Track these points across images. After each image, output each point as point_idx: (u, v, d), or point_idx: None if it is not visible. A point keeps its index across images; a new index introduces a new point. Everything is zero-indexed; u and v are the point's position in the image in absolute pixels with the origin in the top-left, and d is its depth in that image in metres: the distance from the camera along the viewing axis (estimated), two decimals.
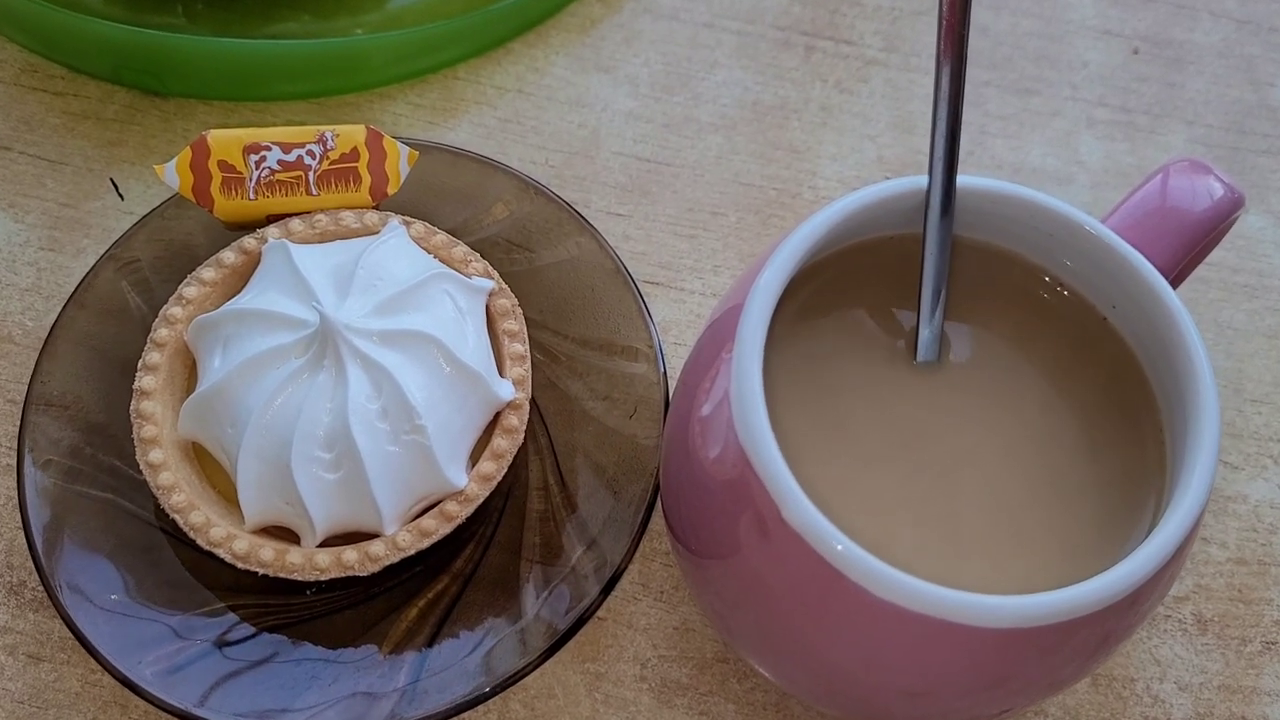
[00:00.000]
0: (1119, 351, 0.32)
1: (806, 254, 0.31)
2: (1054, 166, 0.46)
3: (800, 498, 0.27)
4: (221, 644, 0.36)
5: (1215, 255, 0.43)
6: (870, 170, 0.45)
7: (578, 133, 0.46)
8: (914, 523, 0.31)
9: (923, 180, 0.32)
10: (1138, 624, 0.31)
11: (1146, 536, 0.30)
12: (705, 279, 0.43)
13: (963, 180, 0.31)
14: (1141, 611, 0.30)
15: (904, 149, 0.46)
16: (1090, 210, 0.32)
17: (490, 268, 0.39)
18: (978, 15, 0.49)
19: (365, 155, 0.39)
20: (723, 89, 0.47)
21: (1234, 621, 0.38)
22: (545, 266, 0.41)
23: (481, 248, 0.40)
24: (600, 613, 0.38)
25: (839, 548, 0.27)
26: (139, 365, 0.37)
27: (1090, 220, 0.31)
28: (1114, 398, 0.32)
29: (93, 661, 0.36)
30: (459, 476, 0.36)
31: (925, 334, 0.32)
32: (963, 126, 0.46)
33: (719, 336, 0.31)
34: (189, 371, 0.38)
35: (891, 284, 0.33)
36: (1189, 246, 0.33)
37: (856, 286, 0.33)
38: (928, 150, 0.45)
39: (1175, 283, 0.35)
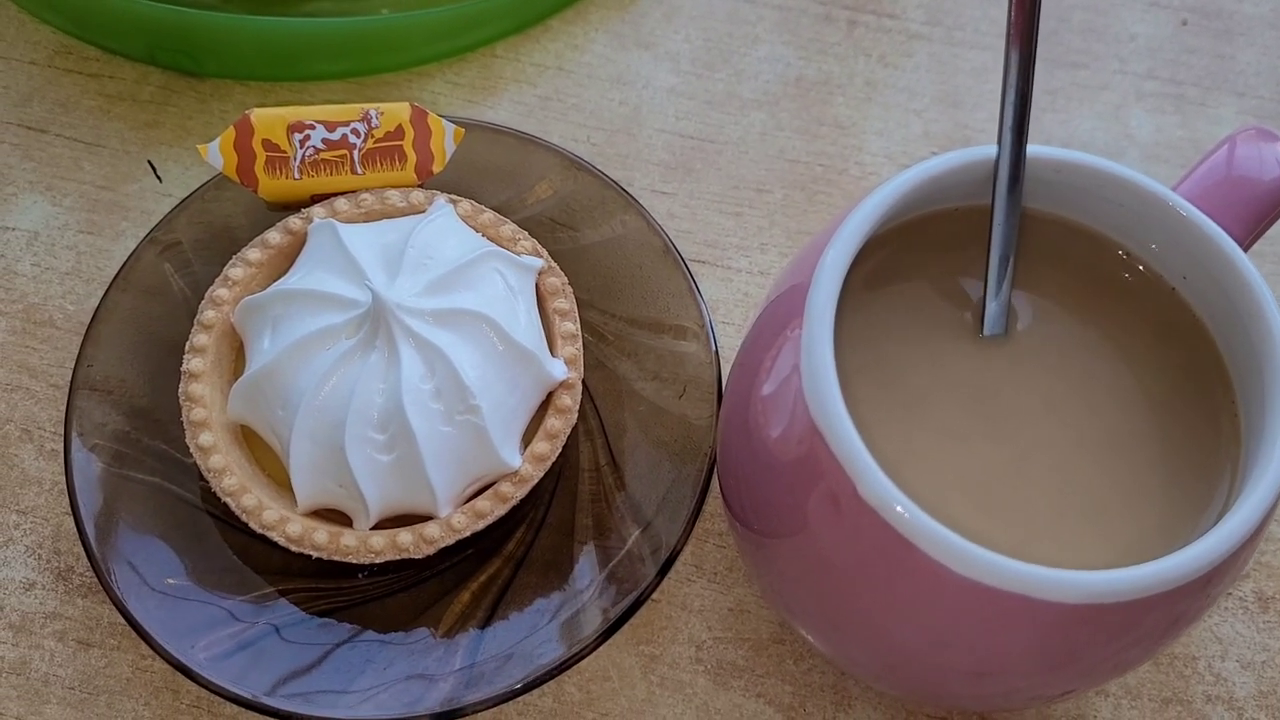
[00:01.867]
0: (1189, 323, 0.32)
1: (872, 228, 0.30)
2: (1104, 141, 0.45)
3: (877, 473, 0.27)
4: (274, 628, 0.35)
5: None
6: (916, 145, 0.45)
7: (619, 110, 0.45)
8: (983, 498, 0.30)
9: (989, 151, 0.31)
10: (1208, 606, 0.30)
11: (1221, 512, 0.30)
12: (752, 257, 0.43)
13: (1032, 150, 0.31)
14: (1214, 593, 0.29)
15: (950, 123, 0.45)
16: None
17: (539, 246, 0.38)
18: None
19: (410, 133, 0.38)
20: (765, 65, 0.46)
21: None
22: (591, 245, 0.41)
23: (526, 226, 0.39)
24: (654, 595, 0.37)
25: (915, 522, 0.27)
26: (186, 347, 0.36)
27: (1162, 189, 0.31)
28: (1184, 370, 0.32)
29: (143, 647, 0.36)
30: (513, 457, 0.35)
31: (992, 307, 0.32)
32: None
33: (782, 314, 0.31)
34: (236, 354, 0.37)
35: (957, 256, 0.32)
36: (1259, 216, 0.32)
37: (921, 259, 0.32)
38: (973, 125, 0.45)
39: None
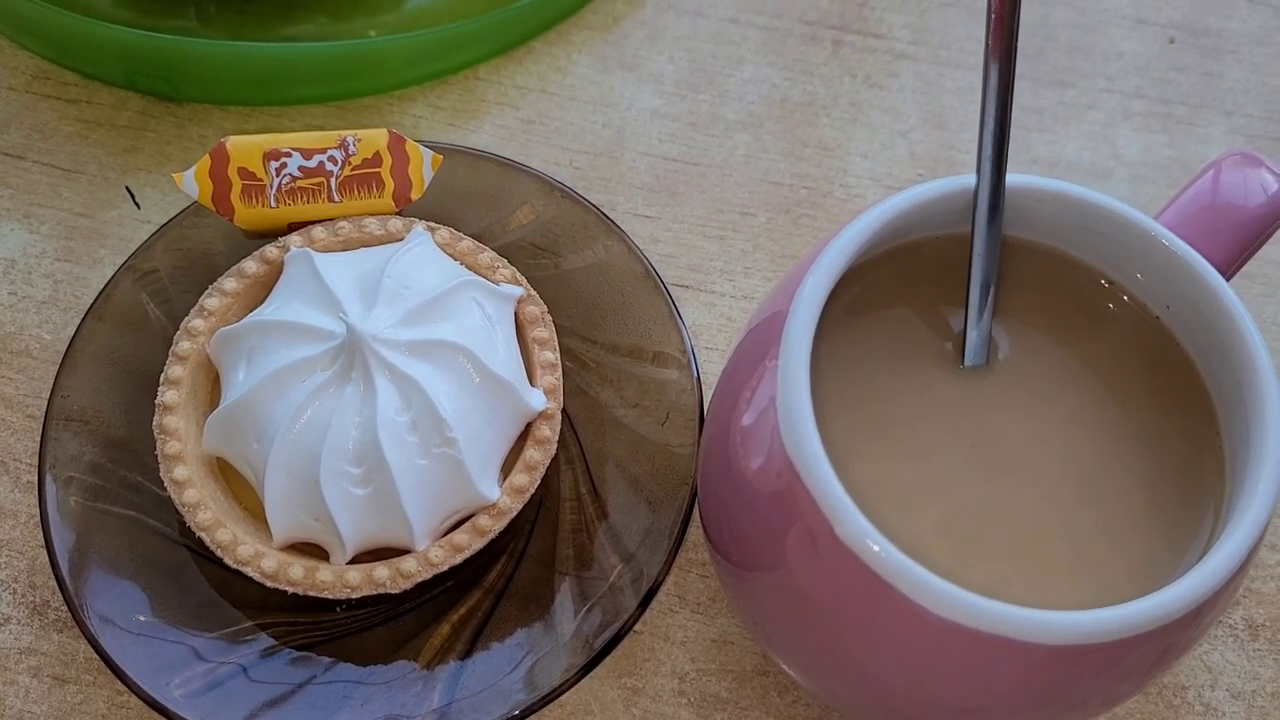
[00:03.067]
0: (1173, 354, 0.31)
1: (851, 258, 0.30)
2: (1091, 161, 0.45)
3: (854, 513, 0.26)
4: (251, 664, 0.35)
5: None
6: (902, 167, 0.44)
7: (602, 133, 0.45)
8: (963, 534, 0.30)
9: (969, 180, 0.30)
10: (1199, 638, 0.30)
11: (1207, 545, 0.29)
12: (736, 281, 0.42)
13: (1012, 179, 0.30)
14: (1203, 626, 0.29)
15: (936, 144, 0.45)
16: (1131, 205, 0.31)
17: (518, 274, 0.38)
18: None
19: (388, 160, 0.38)
20: (749, 86, 0.46)
21: None
22: (572, 271, 0.40)
23: (506, 252, 0.39)
24: (636, 626, 0.37)
25: (893, 563, 0.26)
26: (161, 379, 0.36)
27: (1144, 218, 0.30)
28: (1168, 402, 0.31)
29: (119, 683, 0.35)
30: (491, 489, 0.35)
31: (973, 337, 0.31)
32: None
33: (760, 343, 0.30)
34: (212, 385, 0.37)
35: (938, 285, 0.32)
36: (1245, 243, 0.32)
37: (902, 288, 0.32)
38: (960, 146, 0.45)
39: (1226, 280, 0.34)
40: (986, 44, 0.28)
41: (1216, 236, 0.31)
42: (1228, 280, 0.34)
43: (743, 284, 0.42)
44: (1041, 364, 0.32)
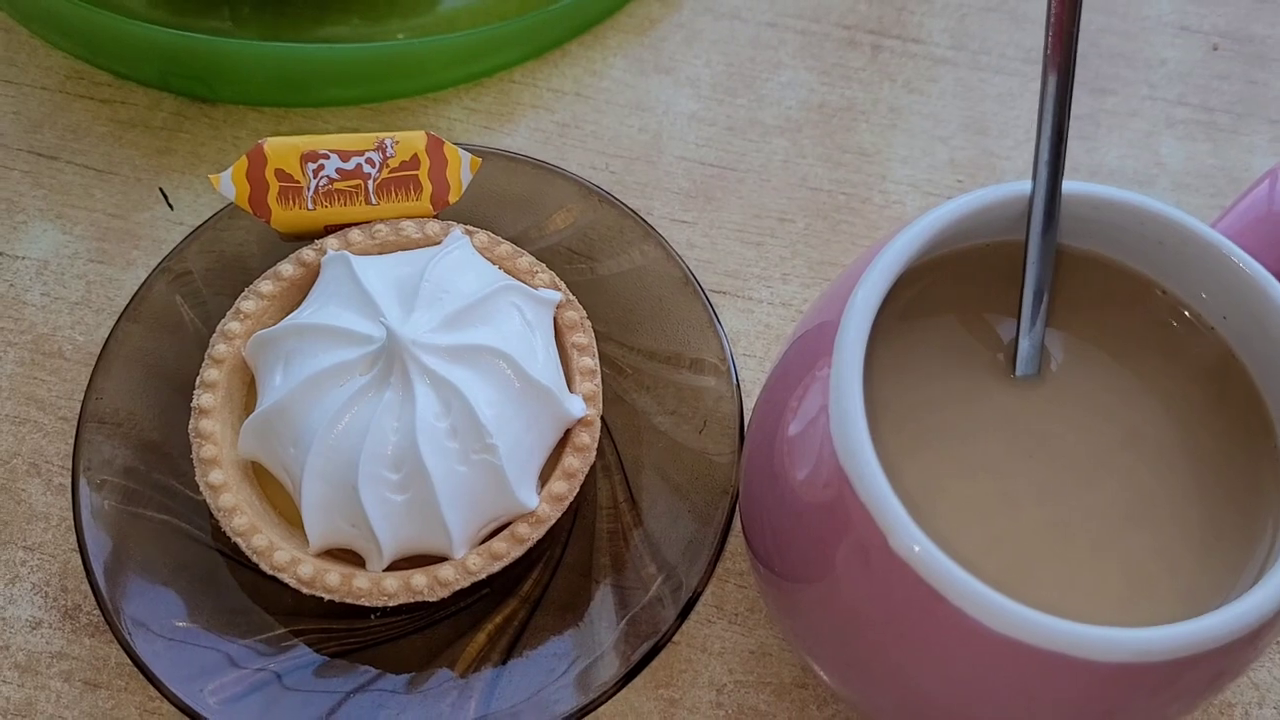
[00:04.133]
0: (1229, 364, 0.31)
1: (903, 267, 0.29)
2: (1133, 169, 0.44)
3: (908, 524, 0.26)
4: (285, 671, 0.34)
5: None
6: (942, 173, 0.44)
7: (638, 137, 0.45)
8: (1018, 544, 0.29)
9: (1023, 187, 0.30)
10: (1255, 659, 0.29)
11: (1264, 564, 0.29)
12: (774, 288, 0.42)
13: (1067, 185, 0.30)
14: (1260, 647, 0.28)
15: (977, 150, 0.44)
16: None
17: (557, 279, 0.37)
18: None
19: (426, 162, 0.37)
20: (787, 90, 0.46)
21: None
22: (609, 276, 0.40)
23: (543, 257, 0.39)
24: (674, 636, 0.36)
25: (952, 578, 0.26)
26: (197, 382, 0.35)
27: (1204, 227, 0.30)
28: (1223, 413, 0.31)
29: (151, 689, 0.35)
30: (530, 497, 0.34)
31: (1025, 346, 0.31)
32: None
33: (809, 352, 0.30)
34: (248, 389, 0.36)
35: (989, 293, 0.31)
36: None
37: (952, 296, 0.31)
38: (1000, 152, 0.44)
39: None
40: (1045, 48, 0.28)
41: (1274, 246, 0.31)
42: None
43: (780, 290, 0.42)
44: (1095, 375, 0.31)
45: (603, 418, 0.38)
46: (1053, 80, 0.28)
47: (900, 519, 0.26)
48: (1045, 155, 0.29)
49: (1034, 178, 0.29)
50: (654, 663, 0.36)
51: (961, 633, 0.26)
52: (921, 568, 0.26)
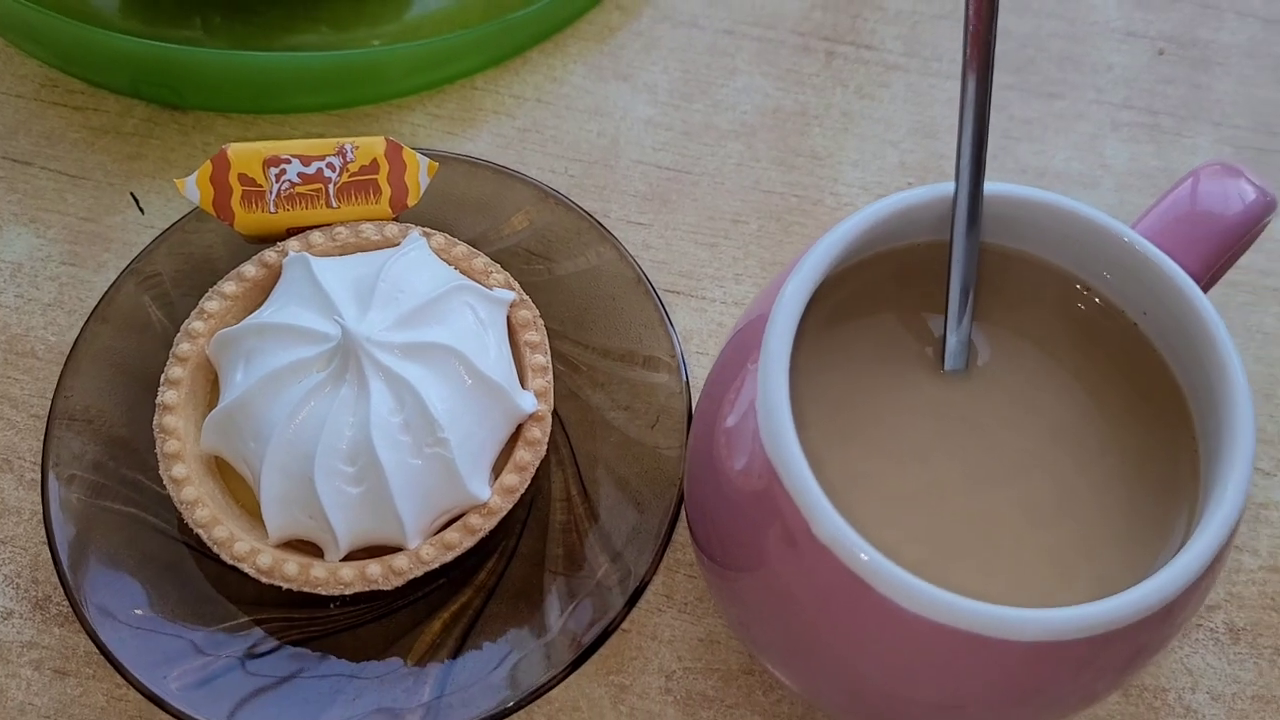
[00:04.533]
0: (1150, 359, 0.32)
1: (832, 263, 0.30)
2: (1078, 170, 0.45)
3: (829, 512, 0.27)
4: (246, 658, 0.35)
5: (1245, 258, 0.43)
6: (892, 176, 0.45)
7: (597, 141, 0.46)
8: (943, 532, 0.30)
9: (949, 187, 0.31)
10: (1172, 636, 0.30)
11: (1180, 547, 0.30)
12: (727, 287, 0.43)
13: (990, 187, 0.31)
14: (1176, 624, 0.29)
15: (926, 154, 0.46)
16: (1117, 214, 0.32)
17: (511, 279, 0.38)
18: (999, 18, 0.48)
19: (385, 167, 0.39)
20: (742, 95, 0.47)
21: (1267, 630, 0.38)
22: (565, 276, 0.41)
23: (501, 258, 0.40)
24: (624, 625, 0.38)
25: (868, 561, 0.27)
26: (161, 380, 0.37)
27: (1120, 226, 0.31)
28: (1145, 406, 0.32)
29: (118, 676, 0.36)
30: (482, 489, 0.35)
31: (953, 342, 0.32)
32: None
33: (744, 347, 0.31)
34: (211, 386, 0.37)
35: (919, 292, 0.33)
36: (1221, 251, 0.32)
37: (883, 294, 0.33)
38: (949, 155, 0.45)
39: (1206, 288, 0.35)
40: (964, 53, 0.29)
41: (1194, 245, 0.32)
42: (1208, 288, 0.35)
43: (733, 290, 0.43)
44: (1021, 369, 0.32)
45: (557, 414, 0.39)
46: (972, 83, 0.30)
47: (821, 506, 0.27)
48: (967, 156, 0.30)
49: (956, 178, 0.31)
50: (605, 650, 0.37)
51: (883, 616, 0.27)
52: (842, 553, 0.27)
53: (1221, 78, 0.48)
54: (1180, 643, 0.38)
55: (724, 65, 0.47)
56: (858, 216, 0.31)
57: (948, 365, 0.32)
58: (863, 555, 0.27)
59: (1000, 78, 0.47)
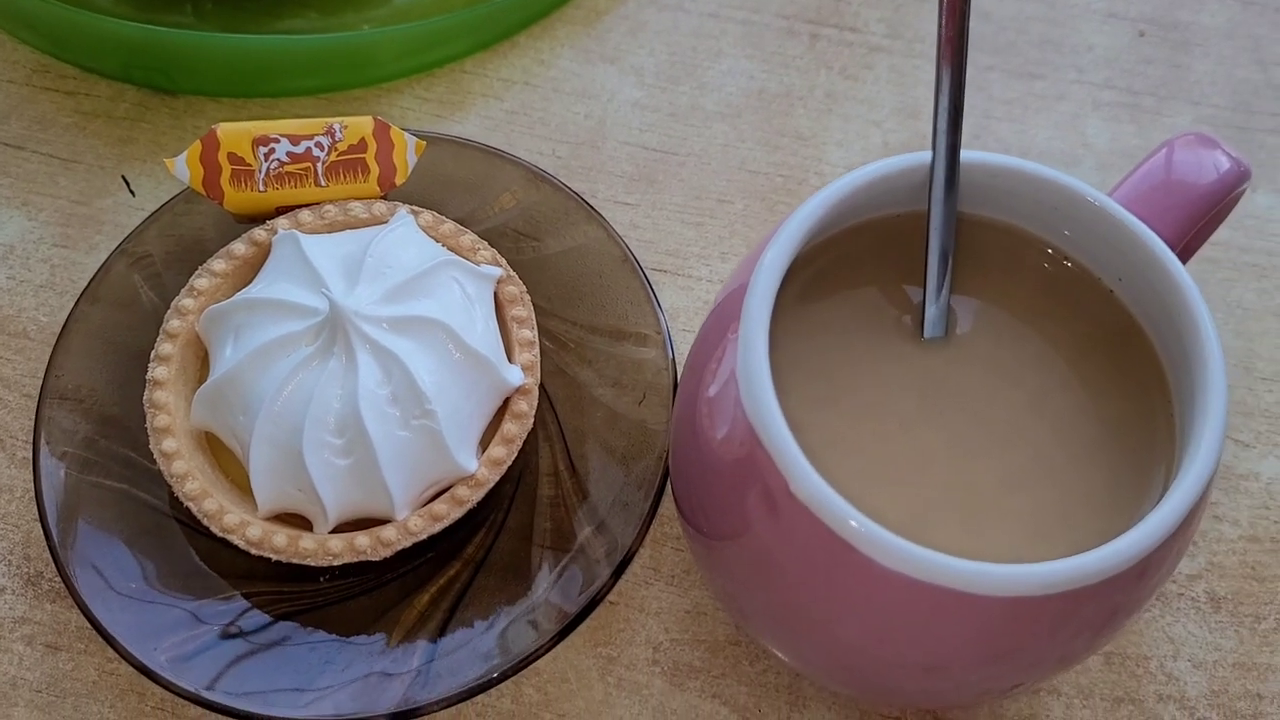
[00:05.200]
0: (1126, 324, 0.32)
1: (810, 232, 0.31)
2: (1060, 149, 0.46)
3: (808, 470, 0.27)
4: (236, 630, 0.36)
5: (1224, 234, 0.44)
6: (876, 155, 0.45)
7: (584, 123, 0.46)
8: (923, 496, 0.31)
9: (926, 156, 0.32)
10: (1146, 598, 0.31)
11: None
12: (712, 266, 0.44)
13: (966, 155, 0.31)
14: (1150, 584, 0.30)
15: (909, 134, 0.46)
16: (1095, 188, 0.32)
17: (499, 255, 0.39)
18: (981, 1, 0.49)
19: (373, 146, 0.39)
20: (728, 78, 0.47)
21: (1248, 599, 0.38)
22: (553, 255, 0.42)
23: (489, 237, 0.40)
24: (612, 597, 0.38)
25: (846, 519, 0.27)
26: (152, 356, 0.37)
27: (1095, 192, 0.31)
28: (1122, 371, 0.32)
29: (109, 650, 0.36)
30: (469, 461, 0.36)
31: (931, 310, 0.32)
32: (968, 112, 0.46)
33: (725, 317, 0.32)
34: (201, 362, 0.38)
35: (898, 261, 0.33)
36: (1195, 219, 0.33)
37: (862, 264, 0.33)
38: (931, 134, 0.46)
39: (1183, 257, 0.35)
40: (940, 23, 0.30)
41: (1168, 212, 0.32)
42: (1185, 258, 0.35)
43: (719, 268, 0.44)
44: (1000, 336, 0.33)
45: (545, 389, 0.40)
46: (948, 49, 0.30)
47: (800, 464, 0.28)
48: (943, 123, 0.31)
49: (933, 146, 0.31)
50: (593, 622, 0.38)
51: (861, 573, 0.28)
52: (821, 511, 0.27)
53: (1201, 58, 0.48)
54: (1161, 611, 0.38)
55: (710, 48, 0.48)
56: (835, 185, 0.31)
57: (927, 333, 0.32)
58: (840, 513, 0.27)
59: (981, 59, 0.48)
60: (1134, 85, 0.47)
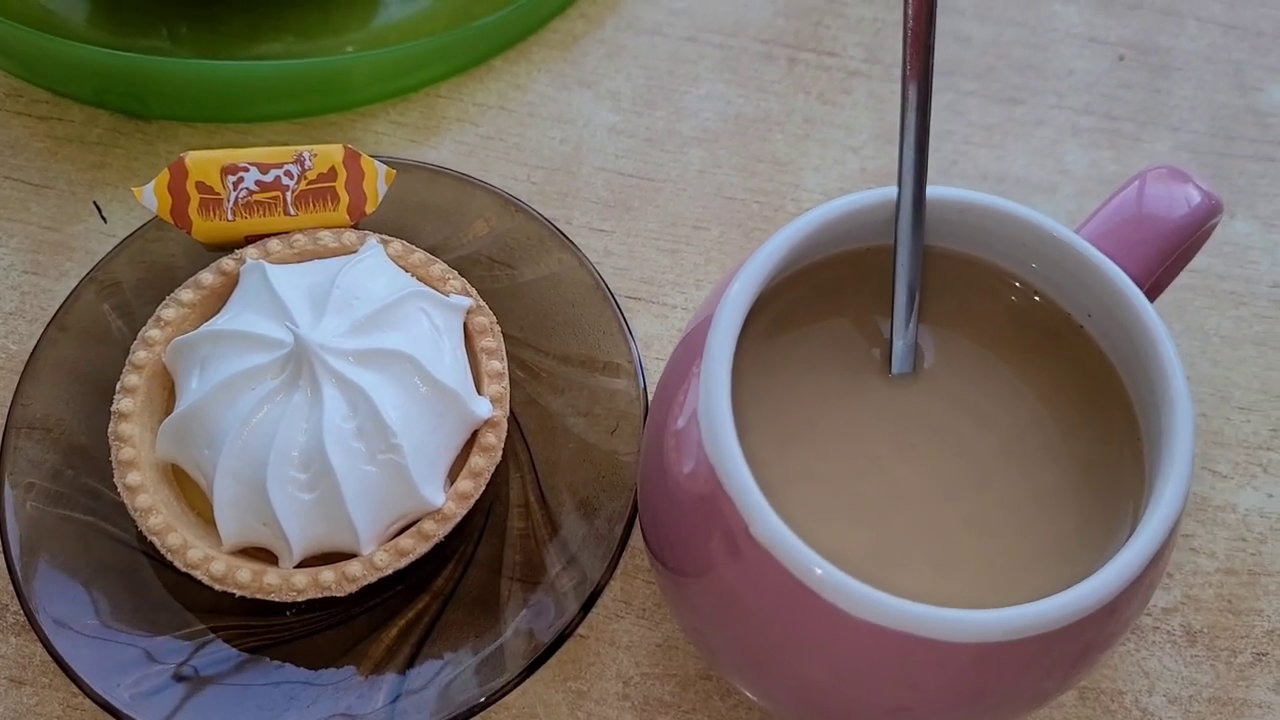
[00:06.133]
0: (1095, 361, 0.32)
1: (777, 266, 0.31)
2: (1038, 176, 0.46)
3: (768, 513, 0.27)
4: (200, 666, 0.35)
5: (1202, 262, 0.43)
6: (854, 181, 0.45)
7: (560, 149, 0.46)
8: (889, 535, 0.30)
9: (893, 191, 0.31)
10: (1119, 634, 0.30)
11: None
12: (688, 294, 0.43)
13: (933, 190, 0.31)
14: (1122, 621, 0.30)
15: (887, 160, 0.46)
16: (1075, 219, 0.32)
17: (469, 285, 0.39)
18: (961, 25, 0.49)
19: (343, 174, 0.39)
20: (705, 103, 0.47)
21: (1223, 633, 0.38)
22: (526, 283, 0.41)
23: (462, 265, 0.40)
24: (582, 630, 0.38)
25: (808, 565, 0.27)
26: (117, 387, 0.37)
27: (1061, 229, 0.31)
28: (1091, 407, 0.32)
29: (73, 685, 0.36)
30: (436, 495, 0.35)
31: (899, 345, 0.32)
32: (946, 137, 0.46)
33: (691, 350, 0.31)
34: (168, 394, 0.38)
35: (866, 296, 0.33)
36: (1165, 254, 0.32)
37: (830, 299, 0.33)
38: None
39: (1156, 289, 0.35)
40: (904, 57, 0.29)
41: (1137, 247, 0.32)
42: (1158, 290, 0.35)
43: (694, 296, 0.43)
44: (969, 372, 0.32)
45: (517, 419, 0.39)
46: (913, 89, 0.30)
47: (760, 507, 0.27)
48: (910, 159, 0.31)
49: (899, 182, 0.31)
50: (562, 656, 0.37)
51: (824, 618, 0.28)
52: (780, 555, 0.27)
53: (1180, 83, 0.48)
54: (1136, 645, 0.38)
55: (687, 73, 0.48)
56: (801, 221, 0.31)
57: (895, 368, 0.32)
58: (802, 558, 0.27)
59: (961, 84, 0.47)
60: (1113, 110, 0.47)
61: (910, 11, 0.29)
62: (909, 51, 0.29)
